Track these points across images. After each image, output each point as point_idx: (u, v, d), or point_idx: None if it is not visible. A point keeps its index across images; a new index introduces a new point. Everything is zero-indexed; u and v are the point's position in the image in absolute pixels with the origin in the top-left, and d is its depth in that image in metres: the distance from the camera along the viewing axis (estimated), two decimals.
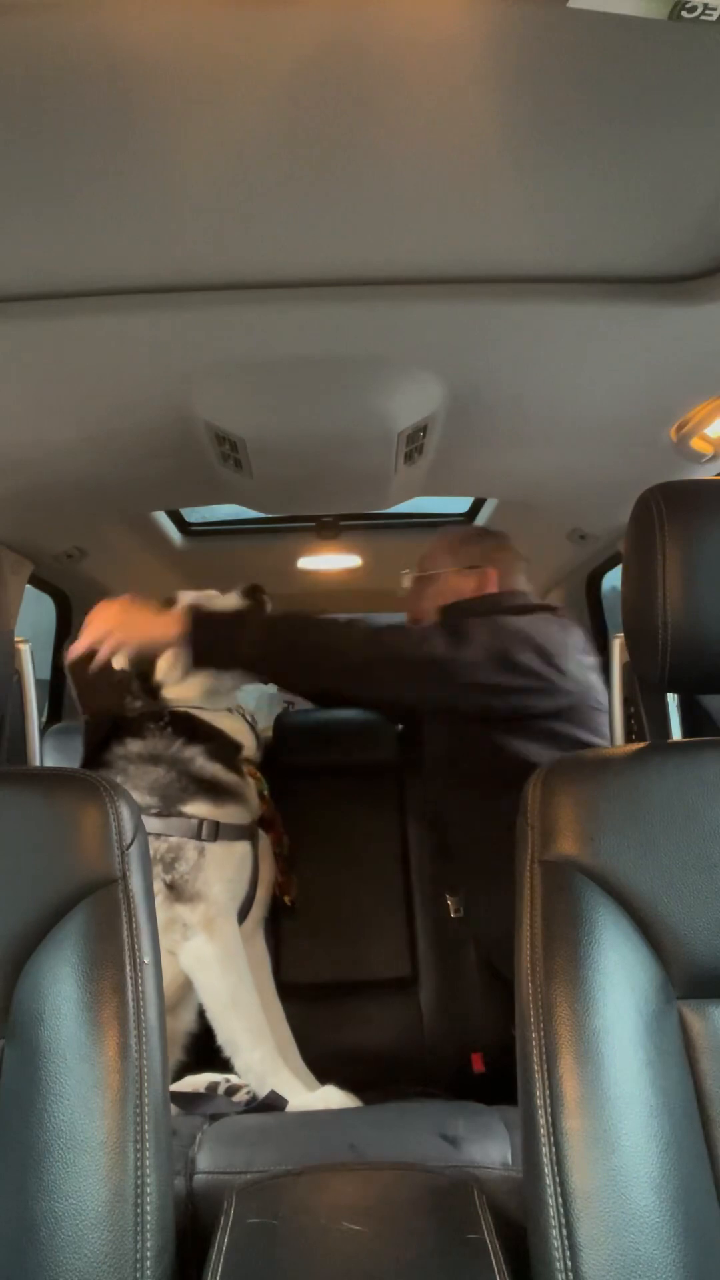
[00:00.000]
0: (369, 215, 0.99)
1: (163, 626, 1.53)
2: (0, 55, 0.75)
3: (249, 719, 1.73)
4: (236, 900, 1.59)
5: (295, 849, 1.79)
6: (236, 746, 1.65)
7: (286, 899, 1.74)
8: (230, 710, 1.70)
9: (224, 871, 1.56)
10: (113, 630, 1.55)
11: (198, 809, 1.57)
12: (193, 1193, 1.09)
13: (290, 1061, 1.56)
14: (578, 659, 1.60)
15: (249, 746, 1.68)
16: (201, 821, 1.55)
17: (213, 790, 1.59)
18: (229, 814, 1.59)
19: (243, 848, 1.61)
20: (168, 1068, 0.93)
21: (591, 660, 1.66)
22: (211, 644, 1.53)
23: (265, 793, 1.72)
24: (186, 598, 1.67)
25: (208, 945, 1.51)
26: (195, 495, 1.93)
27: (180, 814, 1.55)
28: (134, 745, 1.62)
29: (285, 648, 1.52)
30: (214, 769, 1.60)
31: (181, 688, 1.65)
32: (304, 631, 1.51)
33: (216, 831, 1.56)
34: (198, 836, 1.54)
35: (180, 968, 1.52)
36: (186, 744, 1.61)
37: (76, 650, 1.57)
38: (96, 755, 1.64)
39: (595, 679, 1.65)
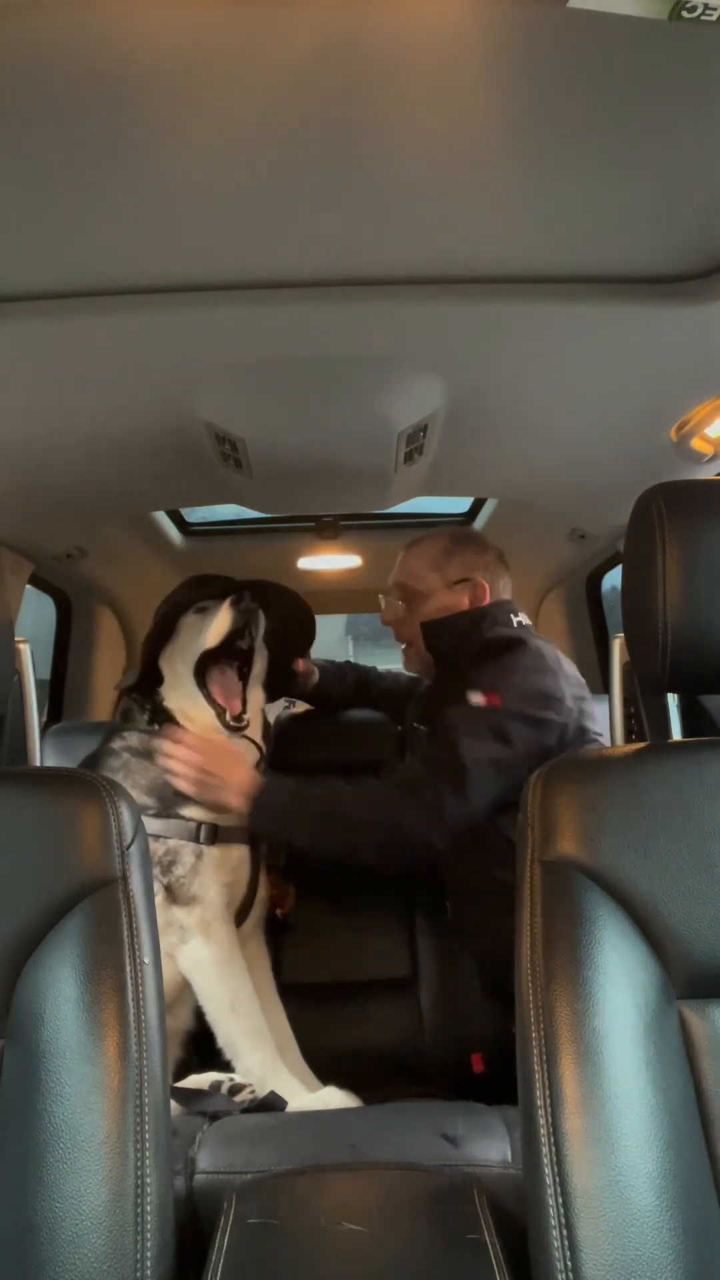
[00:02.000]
0: (369, 215, 0.99)
1: (230, 794, 1.56)
2: (0, 55, 0.75)
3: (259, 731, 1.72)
4: (234, 903, 1.58)
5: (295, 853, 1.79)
6: None
7: (279, 912, 1.73)
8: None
9: (222, 875, 1.55)
10: (190, 776, 1.57)
11: (195, 811, 1.56)
12: (193, 1193, 1.09)
13: (291, 1062, 1.56)
14: (572, 691, 1.61)
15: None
16: (200, 824, 1.55)
17: None
18: (228, 817, 1.59)
19: (241, 851, 1.61)
20: (168, 1068, 0.93)
21: (579, 678, 1.67)
22: (267, 829, 1.59)
23: None
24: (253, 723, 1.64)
25: (205, 948, 1.50)
26: (195, 495, 1.93)
27: (178, 816, 1.55)
28: (133, 738, 1.62)
29: (335, 840, 1.56)
30: None
31: (174, 684, 1.66)
32: (351, 824, 1.53)
33: (215, 834, 1.56)
34: (196, 839, 1.54)
35: (178, 969, 1.52)
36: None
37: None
38: (104, 744, 1.65)
39: (588, 704, 1.65)
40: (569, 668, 1.66)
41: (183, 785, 1.56)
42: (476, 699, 1.56)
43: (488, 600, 1.73)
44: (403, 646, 1.84)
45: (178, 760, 1.56)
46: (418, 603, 1.76)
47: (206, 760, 1.56)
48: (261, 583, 1.74)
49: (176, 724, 1.63)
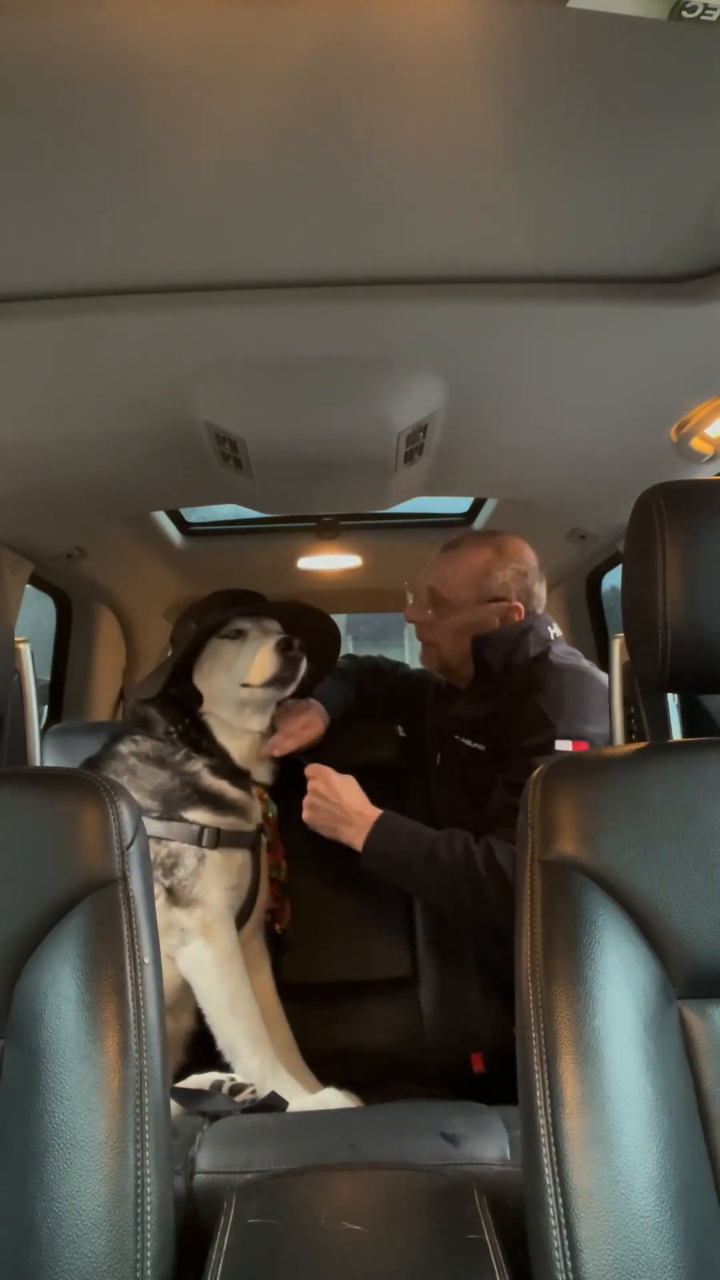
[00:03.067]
0: (369, 215, 0.99)
1: (353, 829, 1.56)
2: (0, 55, 0.75)
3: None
4: (235, 906, 1.59)
5: (294, 851, 1.79)
6: (242, 772, 1.65)
7: (278, 926, 1.72)
8: (257, 733, 1.68)
9: (223, 879, 1.55)
10: (319, 804, 1.59)
11: (199, 816, 1.56)
12: (193, 1193, 1.09)
13: (291, 1062, 1.56)
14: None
15: (259, 773, 1.68)
16: (203, 828, 1.55)
17: (215, 801, 1.59)
18: (231, 822, 1.59)
19: (243, 856, 1.61)
20: (168, 1068, 0.93)
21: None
22: (379, 872, 1.56)
23: (272, 815, 1.71)
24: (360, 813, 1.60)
25: (205, 950, 1.50)
26: (195, 495, 1.93)
27: (181, 819, 1.55)
28: (145, 744, 1.62)
29: (453, 899, 1.53)
30: (220, 785, 1.61)
31: (215, 696, 1.65)
32: (477, 888, 1.49)
33: (218, 839, 1.56)
34: (198, 843, 1.54)
35: (178, 971, 1.52)
36: (189, 757, 1.61)
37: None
38: (109, 746, 1.65)
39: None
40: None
41: (307, 814, 1.59)
42: (564, 746, 1.55)
43: (519, 618, 1.72)
44: (422, 645, 1.81)
45: (312, 789, 1.59)
46: (445, 611, 1.74)
47: (335, 794, 1.58)
48: (294, 605, 1.72)
49: (215, 742, 1.64)
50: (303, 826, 1.79)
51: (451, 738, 1.78)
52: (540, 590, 1.78)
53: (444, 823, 1.76)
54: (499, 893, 1.47)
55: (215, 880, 1.54)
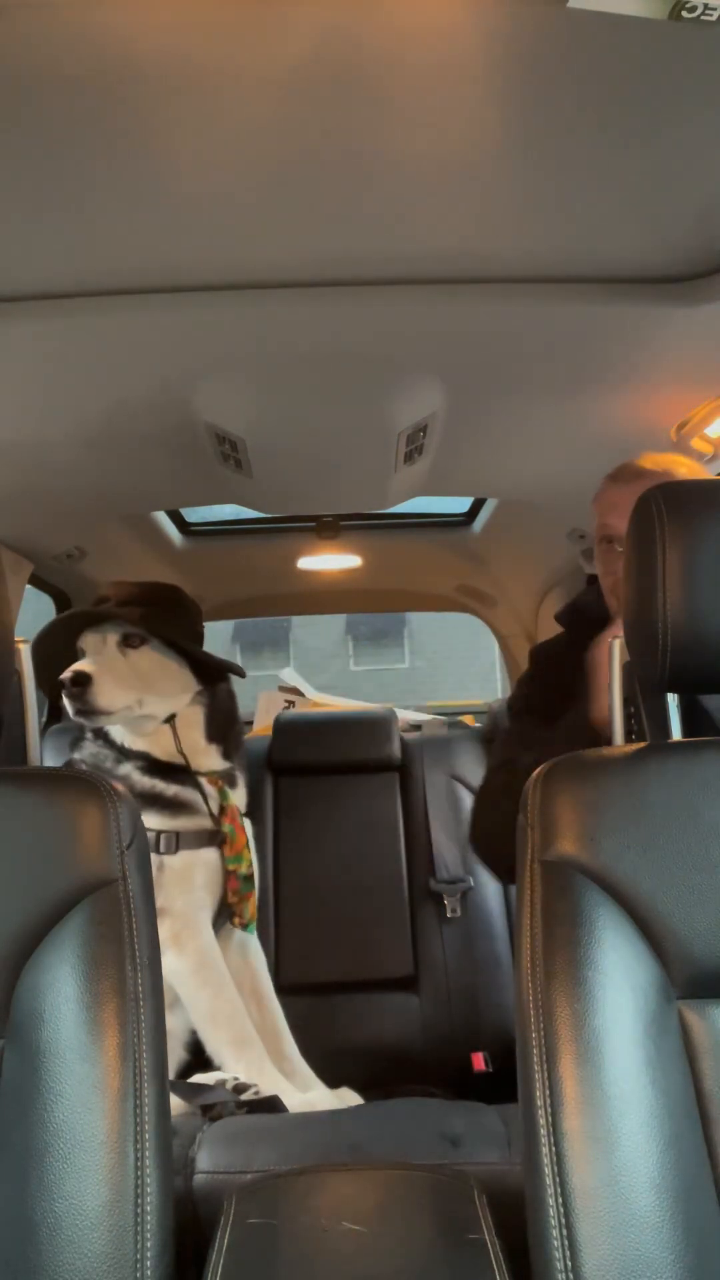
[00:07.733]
0: (369, 215, 0.99)
1: None
2: (0, 55, 0.75)
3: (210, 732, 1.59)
4: (208, 907, 1.54)
5: (293, 850, 1.79)
6: (177, 767, 1.55)
7: (236, 921, 1.60)
8: (169, 722, 1.55)
9: (187, 884, 1.51)
10: None
11: (154, 821, 1.51)
12: (193, 1193, 1.09)
13: (289, 1059, 1.55)
14: None
15: (204, 762, 1.57)
16: (160, 834, 1.50)
17: (157, 801, 1.52)
18: (185, 823, 1.52)
19: (209, 854, 1.54)
20: (167, 1068, 0.93)
21: None
22: None
23: (229, 804, 1.59)
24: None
25: (177, 961, 1.47)
26: (195, 495, 1.93)
27: None
28: (88, 750, 1.58)
29: None
30: (152, 783, 1.53)
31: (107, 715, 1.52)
32: None
33: (176, 843, 1.50)
34: (155, 850, 1.49)
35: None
36: (119, 760, 1.55)
37: None
38: (70, 753, 1.62)
39: None
40: None
41: None
42: None
43: None
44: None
45: None
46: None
47: None
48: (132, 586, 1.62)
49: (128, 748, 1.56)
50: (299, 828, 1.79)
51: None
52: None
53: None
54: None
55: (178, 887, 1.49)
